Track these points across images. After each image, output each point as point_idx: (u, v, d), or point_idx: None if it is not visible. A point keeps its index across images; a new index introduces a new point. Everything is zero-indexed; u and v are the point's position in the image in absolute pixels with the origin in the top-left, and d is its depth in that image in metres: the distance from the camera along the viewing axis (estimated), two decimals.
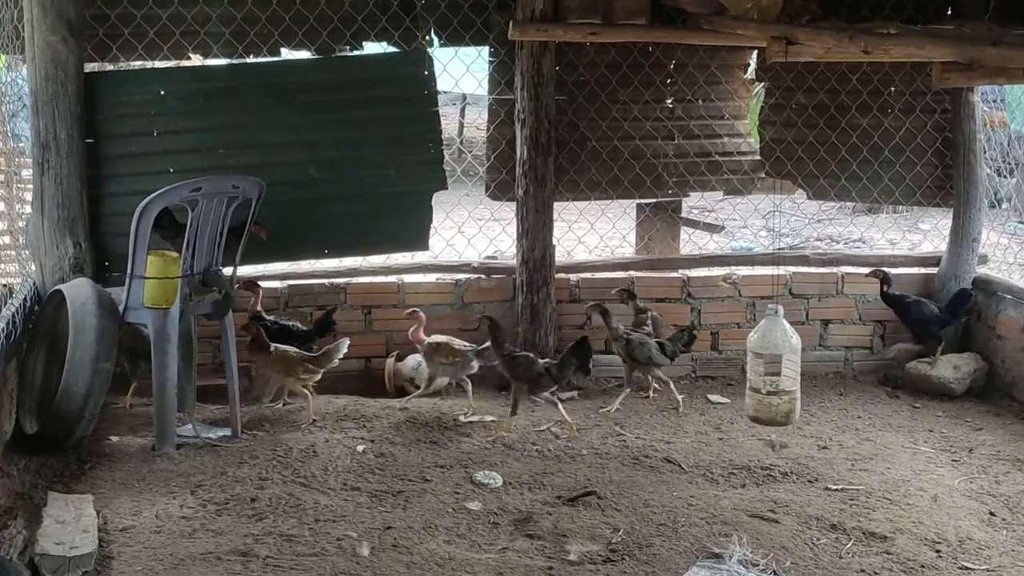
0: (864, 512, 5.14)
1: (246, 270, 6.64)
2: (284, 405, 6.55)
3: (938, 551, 4.75)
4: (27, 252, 6.83)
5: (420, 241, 7.10)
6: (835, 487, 5.46)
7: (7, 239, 7.92)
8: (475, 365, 6.50)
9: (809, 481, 5.56)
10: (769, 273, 7.37)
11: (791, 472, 5.65)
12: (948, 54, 5.08)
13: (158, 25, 6.63)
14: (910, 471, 5.73)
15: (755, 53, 7.36)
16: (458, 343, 6.51)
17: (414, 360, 6.88)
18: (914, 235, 11.02)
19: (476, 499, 5.22)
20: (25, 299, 6.05)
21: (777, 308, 5.49)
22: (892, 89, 7.37)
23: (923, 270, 7.59)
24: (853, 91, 7.33)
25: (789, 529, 4.90)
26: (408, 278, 7.22)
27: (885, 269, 7.13)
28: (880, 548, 4.77)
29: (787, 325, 5.47)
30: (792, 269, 7.43)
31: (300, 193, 6.82)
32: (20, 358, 5.98)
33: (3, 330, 5.47)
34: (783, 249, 8.42)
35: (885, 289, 7.06)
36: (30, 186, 6.90)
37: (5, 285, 6.19)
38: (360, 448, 5.81)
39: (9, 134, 8.28)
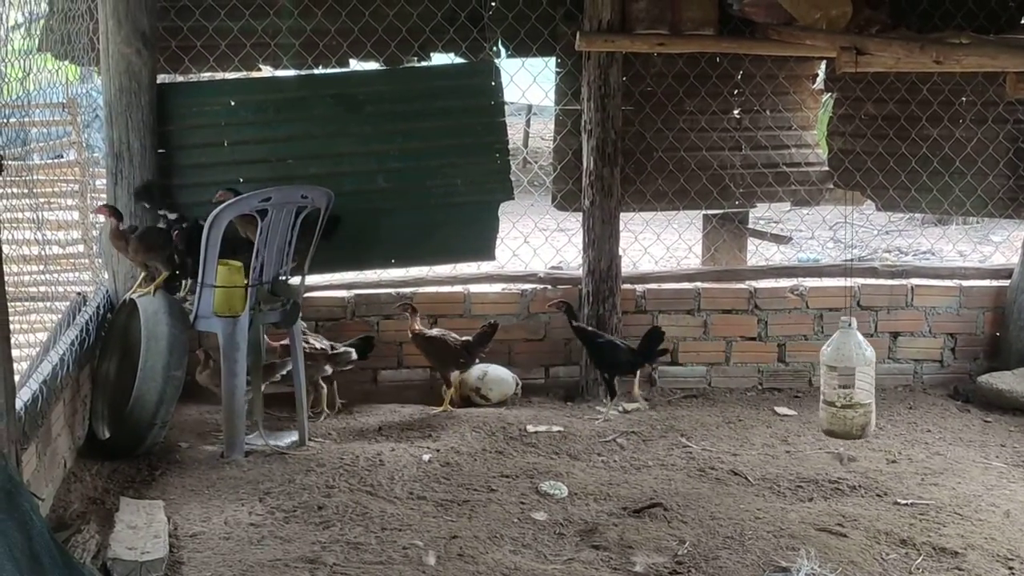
0: (934, 527, 5.07)
1: (314, 279, 6.70)
2: (325, 416, 6.58)
3: (1011, 568, 4.67)
4: (100, 260, 6.94)
5: (486, 251, 7.13)
6: (904, 501, 5.39)
7: (81, 247, 8.05)
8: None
9: (878, 495, 5.49)
10: (837, 285, 7.30)
11: (860, 486, 5.59)
12: (1022, 64, 5.02)
13: (229, 37, 6.72)
14: (981, 486, 5.64)
15: (824, 63, 7.31)
16: (452, 337, 6.60)
17: (480, 370, 6.90)
18: (985, 247, 10.86)
19: (542, 509, 5.22)
20: (98, 307, 6.15)
21: (851, 320, 5.44)
22: (963, 99, 7.27)
23: (994, 282, 7.47)
24: (923, 101, 7.25)
25: (857, 543, 4.84)
26: (474, 288, 7.24)
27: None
28: (951, 564, 4.70)
29: (861, 337, 5.43)
30: (861, 281, 7.36)
31: (368, 203, 6.86)
32: (93, 365, 6.08)
33: (77, 337, 5.57)
34: (852, 261, 8.34)
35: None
36: (104, 196, 7.01)
37: (79, 293, 6.29)
38: (426, 457, 5.83)
39: (84, 144, 8.44)
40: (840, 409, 5.44)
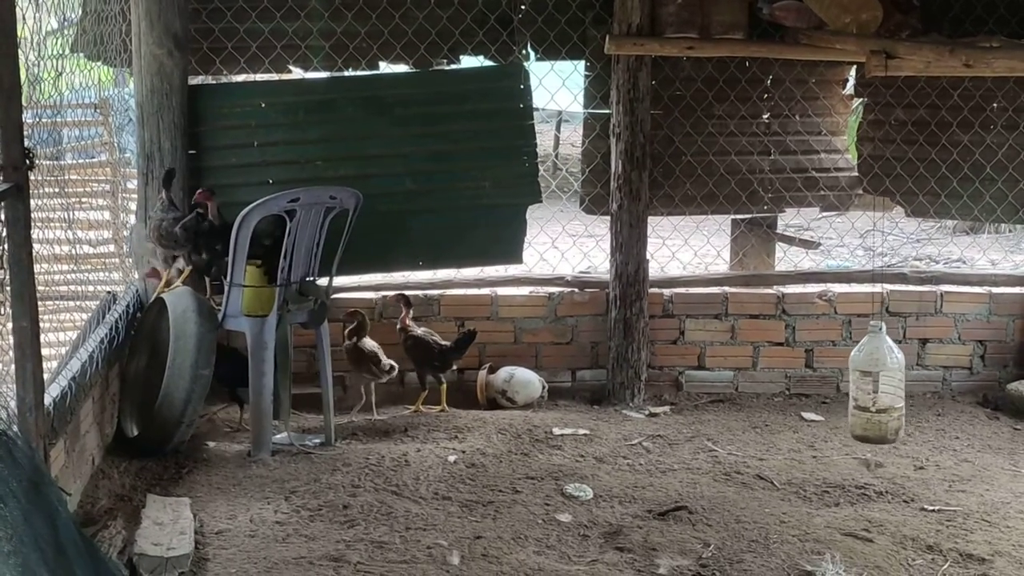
0: (961, 533, 5.04)
1: (341, 280, 6.73)
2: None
3: None
4: (131, 260, 6.99)
5: (514, 254, 7.14)
6: (932, 508, 5.36)
7: (112, 247, 8.11)
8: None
9: (905, 501, 5.46)
10: (865, 291, 7.27)
11: (886, 492, 5.56)
12: None
13: (260, 39, 6.75)
14: (1010, 493, 5.60)
15: (854, 68, 7.27)
16: (435, 340, 6.64)
17: (506, 372, 6.91)
18: (1017, 255, 10.79)
19: (566, 511, 5.22)
20: (128, 306, 6.19)
21: (880, 325, 5.43)
22: (995, 105, 7.22)
23: None
24: (954, 107, 7.20)
25: (884, 549, 4.82)
26: (501, 291, 7.24)
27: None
28: (978, 570, 4.67)
29: (891, 342, 5.43)
30: (890, 287, 7.32)
31: (396, 205, 6.89)
32: (122, 363, 6.12)
33: (106, 336, 5.61)
34: (881, 267, 8.31)
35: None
36: (135, 196, 7.06)
37: (109, 292, 6.34)
38: (451, 458, 5.84)
39: (116, 146, 8.51)
40: (874, 414, 5.44)
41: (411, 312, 6.69)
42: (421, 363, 6.69)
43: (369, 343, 6.55)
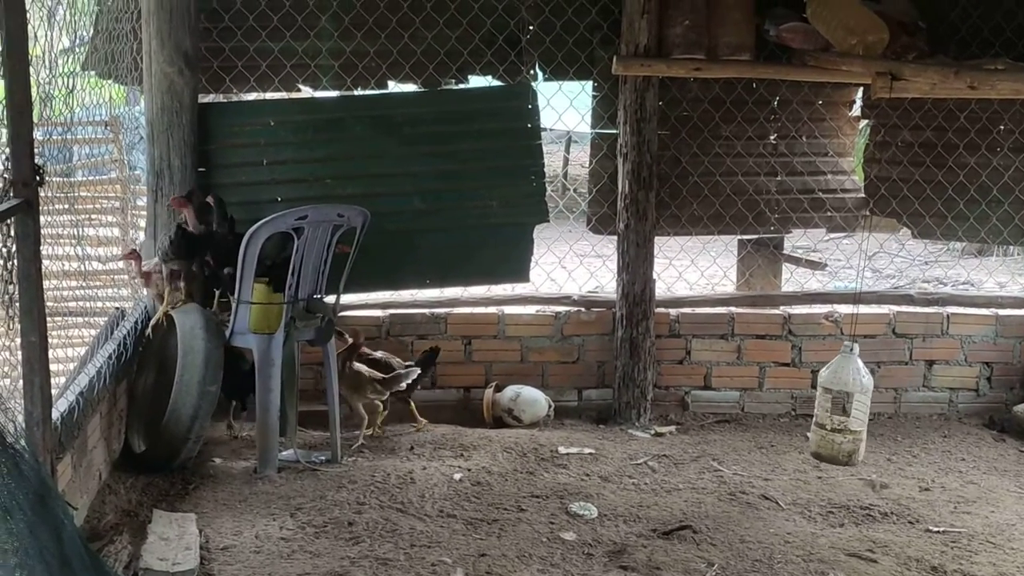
0: (966, 555, 5.04)
1: (349, 298, 6.75)
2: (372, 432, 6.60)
3: None
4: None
5: (521, 273, 7.16)
6: (936, 529, 5.36)
7: (121, 264, 8.14)
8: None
9: (910, 522, 5.46)
10: (872, 312, 7.28)
11: (891, 512, 5.56)
12: None
13: (270, 58, 6.80)
14: (1015, 515, 5.60)
15: (861, 90, 7.30)
16: (391, 360, 6.62)
17: (512, 391, 6.93)
18: None
19: (571, 530, 5.23)
20: (136, 322, 6.22)
21: (852, 346, 5.44)
22: (1001, 127, 7.24)
23: None
24: (961, 129, 7.22)
25: (888, 569, 4.83)
26: (508, 309, 7.26)
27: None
28: None
29: (861, 364, 5.43)
30: (896, 308, 7.33)
31: (404, 223, 6.92)
32: (130, 379, 6.15)
33: (115, 352, 5.64)
34: (891, 288, 8.31)
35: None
36: (144, 213, 7.10)
37: (118, 308, 6.37)
38: (457, 476, 5.85)
39: (126, 163, 8.56)
40: (830, 432, 5.45)
41: (361, 340, 6.56)
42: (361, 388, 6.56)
43: (361, 366, 6.50)
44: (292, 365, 6.25)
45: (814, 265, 8.69)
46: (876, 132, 7.43)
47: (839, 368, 5.43)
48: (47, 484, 3.21)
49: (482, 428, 6.76)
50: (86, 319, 6.55)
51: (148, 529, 4.90)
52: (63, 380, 5.24)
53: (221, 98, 7.14)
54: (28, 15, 4.07)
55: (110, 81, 6.73)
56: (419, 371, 6.55)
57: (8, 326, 4.10)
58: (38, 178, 4.03)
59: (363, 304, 7.15)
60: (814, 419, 5.53)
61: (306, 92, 7.16)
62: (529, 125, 7.03)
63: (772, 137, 7.35)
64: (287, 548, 4.87)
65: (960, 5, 7.05)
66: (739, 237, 7.70)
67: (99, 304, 6.89)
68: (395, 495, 5.54)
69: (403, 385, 6.50)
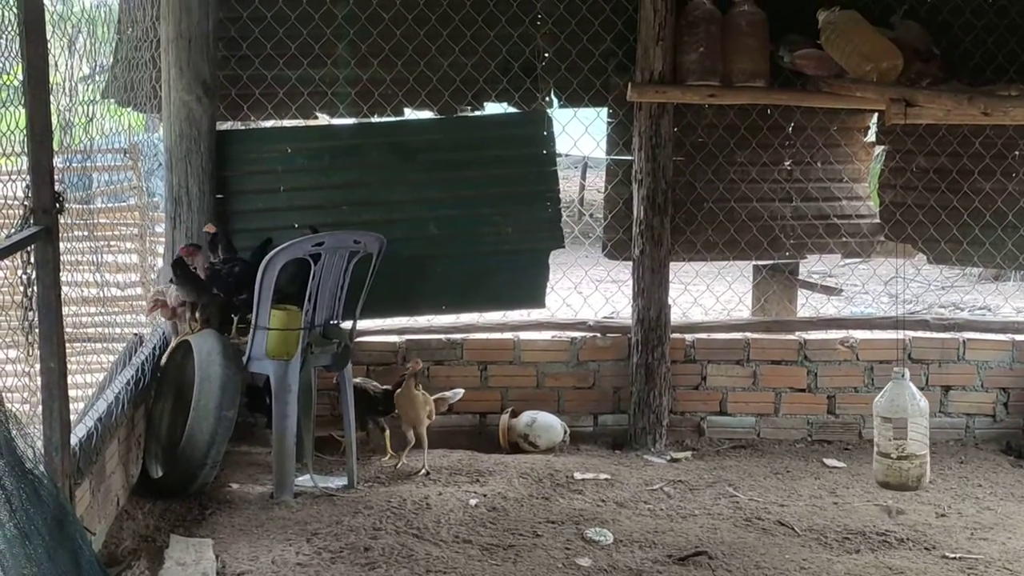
0: None
1: (365, 324, 6.78)
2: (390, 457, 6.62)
3: None
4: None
5: (536, 299, 7.18)
6: (953, 555, 5.34)
7: (139, 290, 8.20)
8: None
9: (926, 548, 5.44)
10: (888, 337, 7.26)
11: (908, 539, 5.54)
12: None
13: (287, 86, 6.85)
14: None
15: (875, 116, 7.31)
16: (369, 384, 6.62)
17: (528, 416, 6.94)
18: None
19: (586, 555, 5.23)
20: (154, 348, 6.27)
21: (904, 371, 5.45)
22: (1016, 152, 7.23)
23: None
24: (976, 155, 7.22)
25: None
26: (524, 335, 7.27)
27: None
28: None
29: (914, 388, 5.44)
30: (912, 334, 7.31)
31: (420, 249, 6.96)
32: (148, 405, 6.18)
33: (133, 377, 5.68)
34: (903, 314, 8.30)
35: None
36: (162, 239, 7.15)
37: (136, 334, 6.41)
38: (473, 502, 5.86)
39: (145, 190, 8.62)
40: (896, 461, 5.44)
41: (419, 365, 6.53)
42: (360, 411, 6.55)
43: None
44: (309, 391, 6.27)
45: (829, 291, 8.69)
46: (891, 158, 7.43)
47: (894, 395, 5.43)
48: (65, 509, 3.24)
49: (498, 454, 6.77)
50: (105, 345, 6.60)
51: (165, 554, 4.93)
52: (82, 406, 5.27)
53: (239, 125, 7.18)
54: (49, 44, 4.13)
55: (129, 109, 6.79)
56: (462, 392, 6.63)
57: (28, 352, 4.13)
58: (58, 205, 4.08)
59: (379, 329, 7.17)
60: (876, 449, 5.52)
61: (323, 119, 7.21)
62: (544, 152, 7.07)
63: (787, 163, 7.36)
64: (303, 573, 4.89)
65: (974, 32, 7.07)
66: (754, 263, 7.70)
67: (117, 330, 6.94)
68: (411, 520, 5.55)
69: (446, 407, 6.60)
